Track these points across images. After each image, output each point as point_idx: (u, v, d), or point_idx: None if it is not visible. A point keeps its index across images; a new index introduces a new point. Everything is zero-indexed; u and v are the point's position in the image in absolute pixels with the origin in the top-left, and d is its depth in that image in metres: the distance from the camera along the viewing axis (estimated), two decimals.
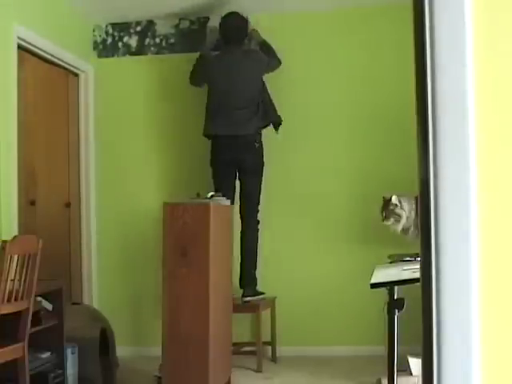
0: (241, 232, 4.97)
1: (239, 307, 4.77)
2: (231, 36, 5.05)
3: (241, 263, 4.95)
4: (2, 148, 4.13)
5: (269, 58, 5.09)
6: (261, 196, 5.03)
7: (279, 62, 5.15)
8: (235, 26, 5.05)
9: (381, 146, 5.18)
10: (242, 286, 4.93)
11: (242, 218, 4.99)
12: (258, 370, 4.75)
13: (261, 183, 5.02)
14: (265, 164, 5.04)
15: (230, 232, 4.49)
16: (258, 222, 5.03)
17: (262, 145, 5.00)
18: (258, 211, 5.03)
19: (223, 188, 4.83)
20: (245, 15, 5.07)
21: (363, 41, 5.31)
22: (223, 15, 5.07)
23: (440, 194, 1.15)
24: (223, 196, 4.46)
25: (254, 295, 4.91)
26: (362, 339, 5.13)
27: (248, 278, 4.94)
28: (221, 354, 4.02)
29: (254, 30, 5.18)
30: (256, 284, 4.97)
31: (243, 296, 4.88)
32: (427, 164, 1.16)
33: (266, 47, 5.13)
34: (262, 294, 4.96)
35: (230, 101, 4.94)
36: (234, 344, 4.65)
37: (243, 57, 5.04)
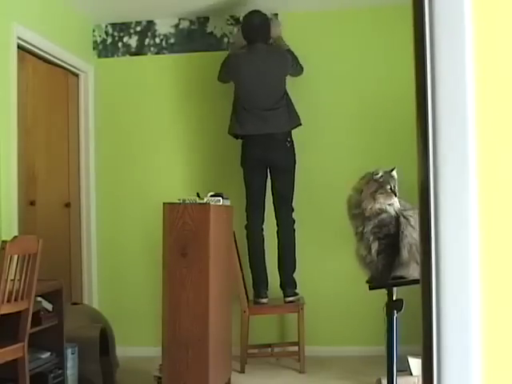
0: (277, 232, 4.95)
1: (280, 308, 4.92)
2: (254, 34, 4.99)
3: (279, 265, 4.93)
4: (2, 148, 4.13)
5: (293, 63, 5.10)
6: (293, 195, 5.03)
7: (302, 70, 5.14)
8: (258, 24, 4.99)
9: (389, 145, 5.17)
10: (282, 287, 4.91)
11: (277, 218, 4.95)
12: (302, 371, 4.74)
13: (294, 182, 4.96)
14: (296, 162, 4.99)
15: (229, 232, 4.49)
16: (294, 221, 4.97)
17: (293, 143, 4.94)
18: (292, 210, 4.98)
19: (255, 187, 4.90)
20: (268, 15, 5.08)
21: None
22: (245, 14, 5.06)
23: (440, 194, 1.15)
24: (254, 195, 4.79)
25: (294, 295, 4.90)
26: (362, 339, 5.14)
27: (288, 278, 4.91)
28: (221, 355, 4.03)
29: (279, 37, 5.17)
30: (296, 284, 4.94)
31: (286, 296, 4.87)
32: (427, 165, 1.16)
33: (290, 54, 5.09)
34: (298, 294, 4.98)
35: (258, 99, 4.89)
36: (263, 345, 4.98)
37: (269, 54, 5.00)
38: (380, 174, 2.80)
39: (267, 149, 4.85)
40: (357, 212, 2.82)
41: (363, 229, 2.79)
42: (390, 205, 2.77)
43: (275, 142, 4.87)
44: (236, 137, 5.04)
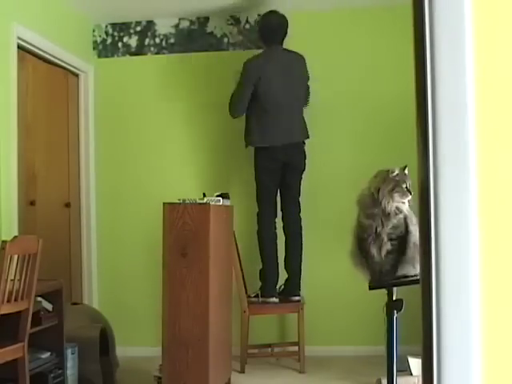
0: (284, 231, 4.91)
1: (280, 308, 4.87)
2: (274, 35, 4.91)
3: (285, 263, 4.90)
4: (2, 148, 4.13)
5: None
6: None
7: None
8: (278, 24, 4.91)
9: (389, 145, 5.17)
10: (288, 285, 4.88)
11: (287, 217, 4.93)
12: (302, 371, 4.73)
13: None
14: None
15: (229, 232, 4.49)
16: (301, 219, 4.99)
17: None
18: (300, 209, 5.00)
19: (273, 191, 4.88)
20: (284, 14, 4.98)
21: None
22: (263, 14, 5.00)
23: (440, 194, 1.15)
24: (271, 198, 4.80)
25: (299, 295, 4.88)
26: (362, 339, 5.14)
27: (296, 277, 4.88)
28: (221, 354, 4.03)
29: None
30: (300, 284, 4.92)
31: (292, 296, 4.85)
32: (427, 165, 1.16)
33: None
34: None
35: (284, 103, 4.81)
36: (263, 346, 4.91)
37: (288, 55, 4.93)
38: (396, 172, 2.79)
39: (289, 153, 4.83)
40: (375, 211, 2.78)
41: (382, 228, 2.76)
42: (403, 203, 2.76)
43: (296, 145, 4.88)
44: (259, 147, 4.88)
